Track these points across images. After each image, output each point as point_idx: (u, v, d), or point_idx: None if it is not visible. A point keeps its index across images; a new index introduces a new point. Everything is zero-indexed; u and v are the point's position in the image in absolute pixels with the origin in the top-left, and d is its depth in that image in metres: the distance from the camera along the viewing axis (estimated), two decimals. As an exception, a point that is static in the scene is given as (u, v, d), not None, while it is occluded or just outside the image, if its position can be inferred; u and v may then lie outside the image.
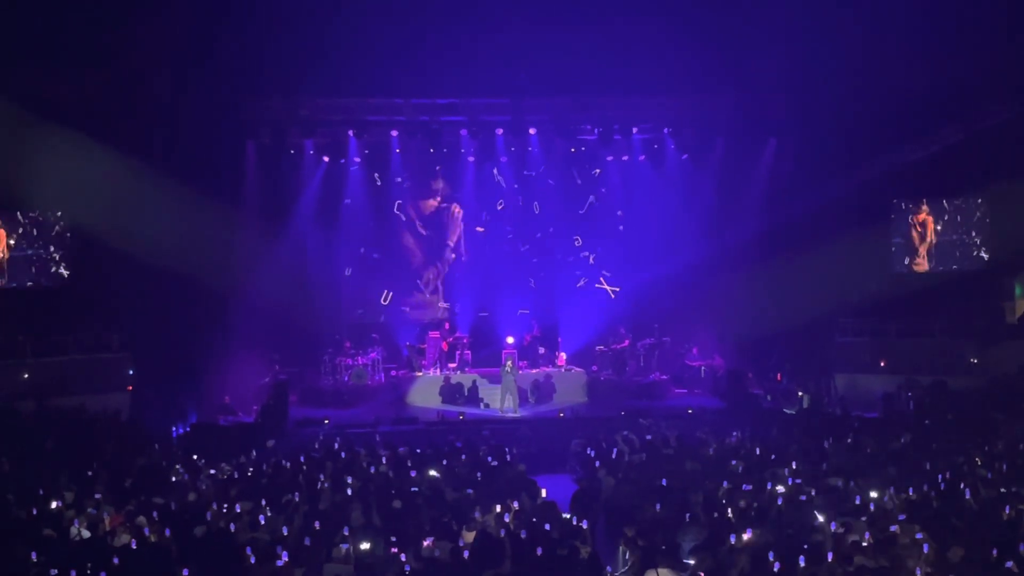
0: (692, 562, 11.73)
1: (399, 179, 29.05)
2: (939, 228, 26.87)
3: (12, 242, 24.87)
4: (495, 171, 29.28)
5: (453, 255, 29.78)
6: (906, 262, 27.22)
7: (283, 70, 23.86)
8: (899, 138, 25.43)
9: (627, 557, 12.28)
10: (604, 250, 29.91)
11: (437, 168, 29.38)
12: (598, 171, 29.55)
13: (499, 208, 29.54)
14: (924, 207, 26.94)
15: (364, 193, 28.86)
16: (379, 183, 28.94)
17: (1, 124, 21.71)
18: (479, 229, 29.75)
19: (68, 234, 25.08)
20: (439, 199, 29.67)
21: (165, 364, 23.92)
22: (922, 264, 27.04)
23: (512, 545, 12.17)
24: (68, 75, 22.71)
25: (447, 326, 28.72)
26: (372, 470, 16.81)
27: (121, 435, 20.77)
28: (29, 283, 24.99)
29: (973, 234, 26.66)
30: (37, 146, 22.75)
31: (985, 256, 26.49)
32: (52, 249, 25.11)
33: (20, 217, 25.00)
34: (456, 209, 29.65)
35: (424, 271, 29.77)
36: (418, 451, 18.53)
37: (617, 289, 29.71)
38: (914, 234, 26.98)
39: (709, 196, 28.07)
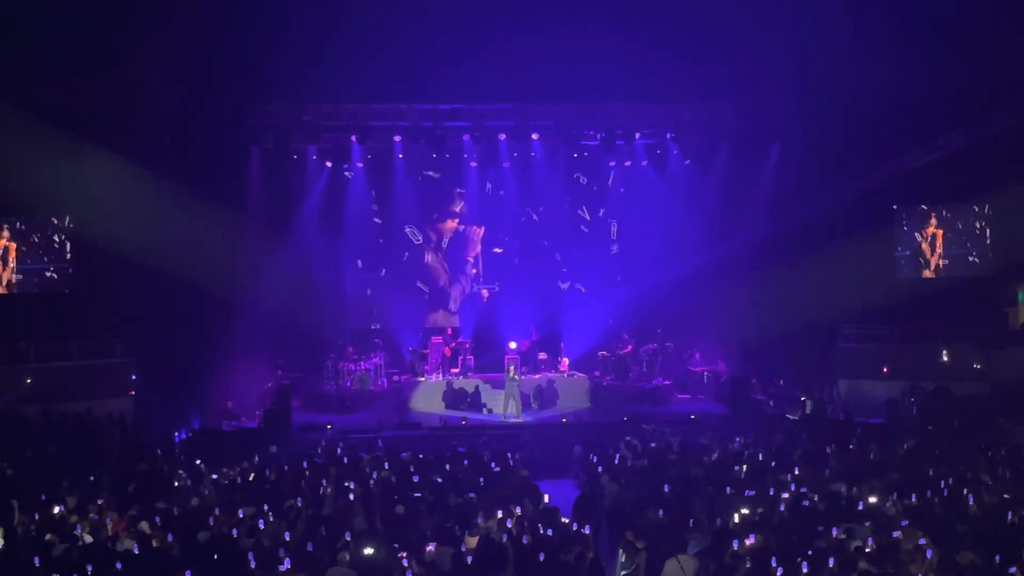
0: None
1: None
2: (949, 236, 26.81)
3: (22, 253, 24.83)
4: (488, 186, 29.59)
5: (474, 270, 29.87)
6: (912, 271, 27.12)
7: (287, 75, 23.93)
8: (903, 144, 25.45)
9: (624, 560, 12.28)
10: (605, 255, 29.93)
11: (457, 190, 29.52)
12: (611, 180, 29.62)
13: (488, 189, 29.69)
14: (932, 219, 26.89)
15: (370, 204, 29.08)
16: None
17: (5, 130, 21.74)
18: (497, 250, 29.82)
19: (72, 239, 25.07)
20: (457, 220, 29.74)
21: (168, 369, 23.95)
22: (931, 274, 27.00)
23: (514, 551, 12.16)
24: (73, 81, 22.74)
25: (450, 331, 28.75)
26: (375, 475, 16.81)
27: (124, 440, 20.80)
28: (34, 288, 24.99)
29: (977, 240, 26.62)
30: (41, 152, 22.77)
31: (989, 262, 26.44)
32: (56, 254, 25.10)
33: (24, 223, 24.98)
34: (476, 230, 29.73)
35: (450, 291, 29.83)
36: (421, 456, 18.52)
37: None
38: (924, 247, 26.92)
39: (712, 201, 28.13)
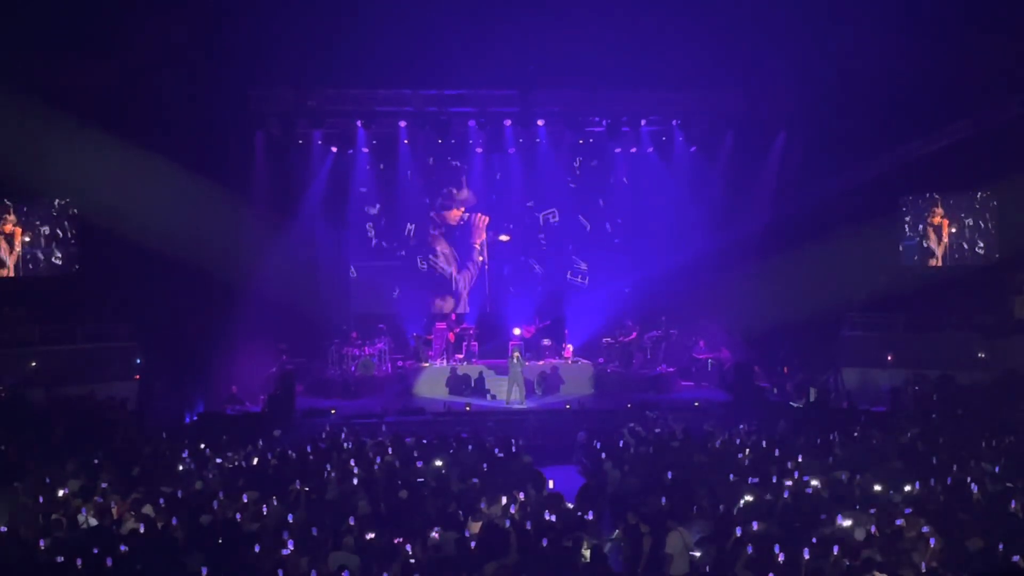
0: (698, 554, 11.78)
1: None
2: (953, 230, 26.77)
3: (28, 239, 24.87)
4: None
5: (481, 258, 29.87)
6: (917, 259, 27.06)
7: (292, 60, 23.90)
8: (909, 132, 25.34)
9: (619, 537, 12.37)
10: (612, 242, 29.92)
11: (462, 178, 29.54)
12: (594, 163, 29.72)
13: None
14: (939, 209, 26.81)
15: (375, 190, 29.21)
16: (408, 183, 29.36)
17: (11, 114, 21.72)
18: (504, 238, 29.83)
19: (77, 223, 25.07)
20: (463, 209, 29.75)
21: (173, 353, 23.99)
22: (936, 262, 26.95)
23: (518, 536, 12.19)
24: (78, 65, 22.70)
25: (453, 317, 28.77)
26: (378, 460, 16.84)
27: (128, 424, 20.85)
28: (39, 272, 25.02)
29: (983, 229, 26.56)
30: (47, 136, 22.76)
31: (994, 250, 26.39)
32: (62, 238, 25.12)
33: (30, 207, 25.00)
34: (481, 218, 29.75)
35: (459, 278, 29.91)
36: (424, 442, 18.56)
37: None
38: (930, 235, 26.86)
39: (718, 189, 28.06)
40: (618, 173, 29.68)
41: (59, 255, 25.09)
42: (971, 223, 26.71)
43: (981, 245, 26.54)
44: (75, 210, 25.09)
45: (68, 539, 12.29)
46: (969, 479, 14.61)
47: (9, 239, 24.67)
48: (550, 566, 11.53)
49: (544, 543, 11.90)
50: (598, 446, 18.36)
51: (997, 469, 15.45)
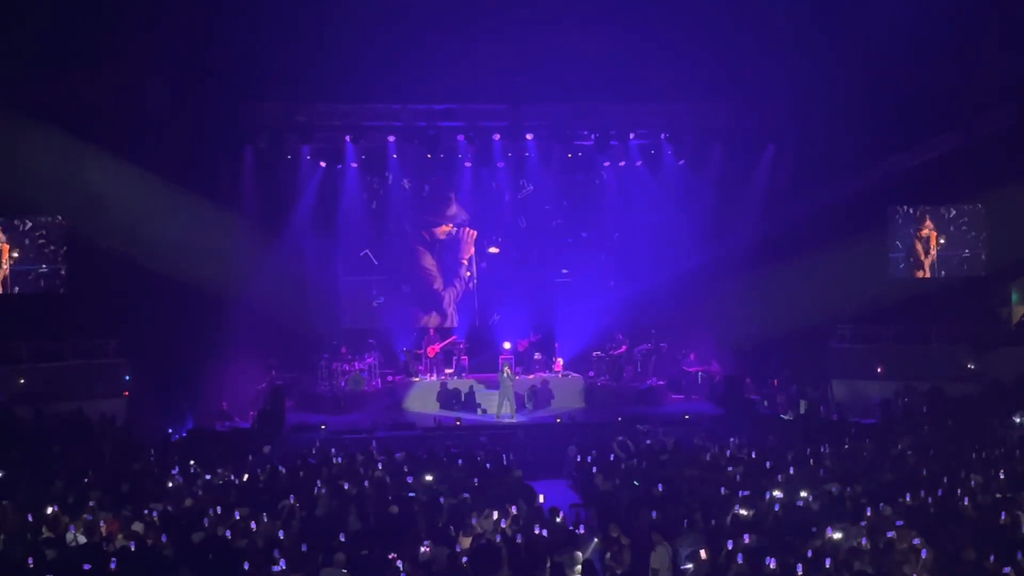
0: (690, 566, 11.77)
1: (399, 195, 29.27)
2: (943, 242, 26.89)
3: (16, 254, 24.79)
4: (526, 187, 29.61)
5: (468, 273, 29.86)
6: (906, 271, 27.16)
7: (281, 75, 23.87)
8: (897, 145, 25.46)
9: (607, 557, 12.32)
10: (602, 256, 29.94)
11: (451, 194, 29.52)
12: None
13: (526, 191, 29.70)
14: (928, 221, 26.94)
15: (364, 205, 29.15)
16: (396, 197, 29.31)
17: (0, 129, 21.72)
18: (494, 250, 29.83)
19: (66, 239, 24.98)
20: (451, 225, 29.75)
21: (162, 369, 23.87)
22: (924, 274, 27.06)
23: (509, 551, 12.16)
24: (66, 80, 22.70)
25: (432, 331, 28.67)
26: (369, 476, 16.79)
27: (118, 440, 20.75)
28: (27, 288, 24.91)
29: (971, 241, 26.68)
30: (35, 151, 22.71)
31: (983, 262, 26.50)
32: (50, 254, 25.03)
33: (17, 223, 24.93)
34: (469, 232, 29.76)
35: (444, 294, 29.87)
36: (415, 457, 18.51)
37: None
38: (919, 248, 26.97)
39: (707, 202, 28.06)
40: (607, 187, 29.68)
41: (47, 271, 24.99)
42: (960, 235, 26.83)
43: (969, 257, 26.64)
44: (64, 225, 24.99)
45: (57, 557, 12.21)
46: (959, 491, 14.63)
47: (-3, 255, 24.63)
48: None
49: (535, 557, 11.87)
50: (588, 460, 18.33)
51: (987, 481, 15.48)
